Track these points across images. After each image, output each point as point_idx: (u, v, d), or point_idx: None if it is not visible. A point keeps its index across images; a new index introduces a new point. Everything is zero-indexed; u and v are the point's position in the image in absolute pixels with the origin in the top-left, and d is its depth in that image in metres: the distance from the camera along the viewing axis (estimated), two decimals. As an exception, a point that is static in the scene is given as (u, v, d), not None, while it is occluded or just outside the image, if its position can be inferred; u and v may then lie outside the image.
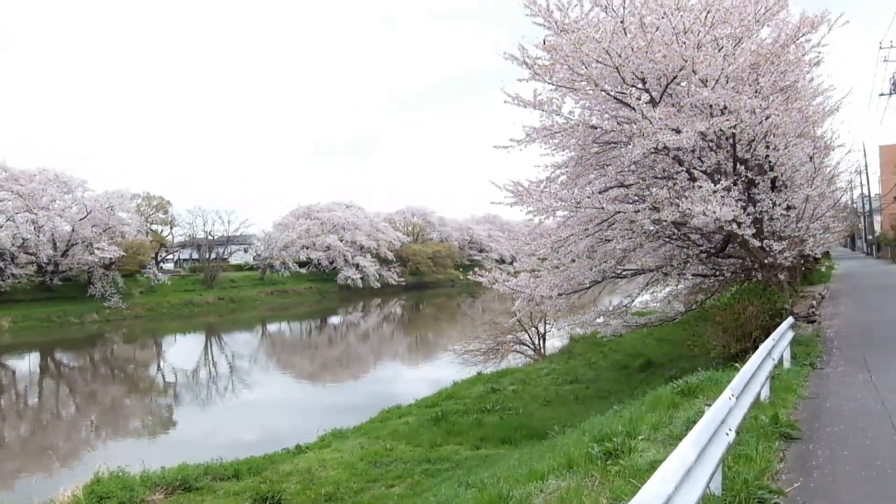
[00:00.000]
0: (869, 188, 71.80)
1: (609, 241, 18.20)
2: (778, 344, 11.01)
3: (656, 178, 16.60)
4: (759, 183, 16.58)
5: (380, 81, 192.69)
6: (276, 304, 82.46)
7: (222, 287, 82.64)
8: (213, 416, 29.29)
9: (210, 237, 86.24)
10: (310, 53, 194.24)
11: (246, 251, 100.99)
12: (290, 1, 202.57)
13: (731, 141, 15.44)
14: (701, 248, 18.91)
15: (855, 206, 75.56)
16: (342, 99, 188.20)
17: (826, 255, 42.55)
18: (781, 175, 16.87)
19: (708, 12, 14.41)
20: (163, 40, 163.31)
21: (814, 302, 24.42)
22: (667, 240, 18.99)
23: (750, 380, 7.99)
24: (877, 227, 77.93)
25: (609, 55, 14.22)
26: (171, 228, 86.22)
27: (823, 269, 39.88)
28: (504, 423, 17.89)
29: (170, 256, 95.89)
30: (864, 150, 65.48)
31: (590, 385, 22.29)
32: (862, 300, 27.48)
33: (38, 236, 64.01)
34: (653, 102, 14.90)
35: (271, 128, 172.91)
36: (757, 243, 16.07)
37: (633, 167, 16.74)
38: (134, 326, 65.11)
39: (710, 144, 15.86)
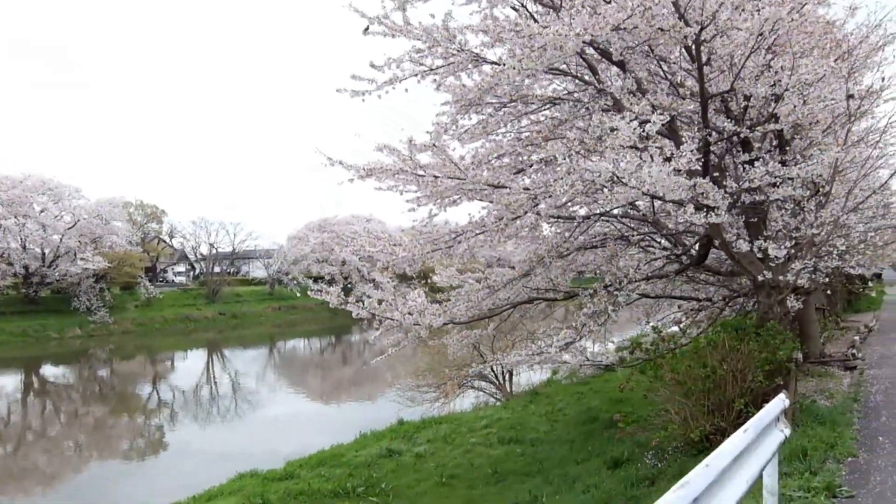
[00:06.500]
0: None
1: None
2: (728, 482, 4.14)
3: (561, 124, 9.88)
4: (753, 142, 9.92)
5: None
6: (284, 321, 77.15)
7: (226, 302, 78.13)
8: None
9: (214, 249, 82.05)
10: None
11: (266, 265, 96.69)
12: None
13: (693, 54, 8.58)
14: (670, 255, 12.18)
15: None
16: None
17: (878, 277, 35.07)
18: (793, 128, 10.10)
19: None
20: (169, 56, 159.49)
21: (856, 338, 17.42)
22: (606, 240, 12.25)
23: None
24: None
25: None
26: (171, 239, 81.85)
27: (874, 294, 32.49)
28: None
29: (181, 269, 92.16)
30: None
31: (527, 450, 15.63)
32: (923, 337, 20.40)
33: (25, 246, 60.08)
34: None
35: (284, 142, 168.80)
36: (745, 246, 9.37)
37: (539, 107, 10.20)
38: (121, 343, 60.63)
39: (662, 71, 9.22)
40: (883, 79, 10.52)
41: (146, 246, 72.67)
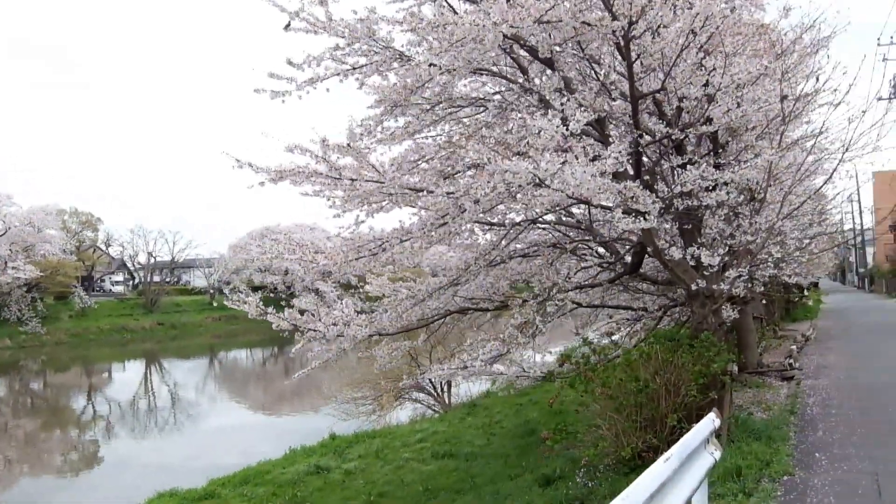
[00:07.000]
0: (861, 216, 64.50)
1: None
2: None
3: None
4: (687, 145, 9.58)
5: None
6: (225, 331, 75.67)
7: (165, 312, 76.32)
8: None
9: (153, 258, 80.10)
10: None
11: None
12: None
13: (622, 51, 8.12)
14: (603, 263, 11.80)
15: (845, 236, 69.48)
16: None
17: (815, 286, 35.52)
18: (728, 131, 9.79)
19: None
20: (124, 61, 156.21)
21: (794, 347, 17.31)
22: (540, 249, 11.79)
23: None
24: (869, 260, 73.37)
25: None
26: (108, 247, 79.71)
27: (811, 302, 32.86)
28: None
29: (119, 278, 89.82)
30: (856, 175, 57.46)
31: (461, 465, 15.08)
32: (858, 345, 20.43)
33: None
34: None
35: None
36: (678, 254, 8.98)
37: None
38: (54, 354, 58.72)
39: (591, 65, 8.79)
40: (817, 78, 10.31)
41: (81, 255, 70.49)
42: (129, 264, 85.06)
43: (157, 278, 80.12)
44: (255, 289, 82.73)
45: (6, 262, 59.10)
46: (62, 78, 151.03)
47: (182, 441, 26.97)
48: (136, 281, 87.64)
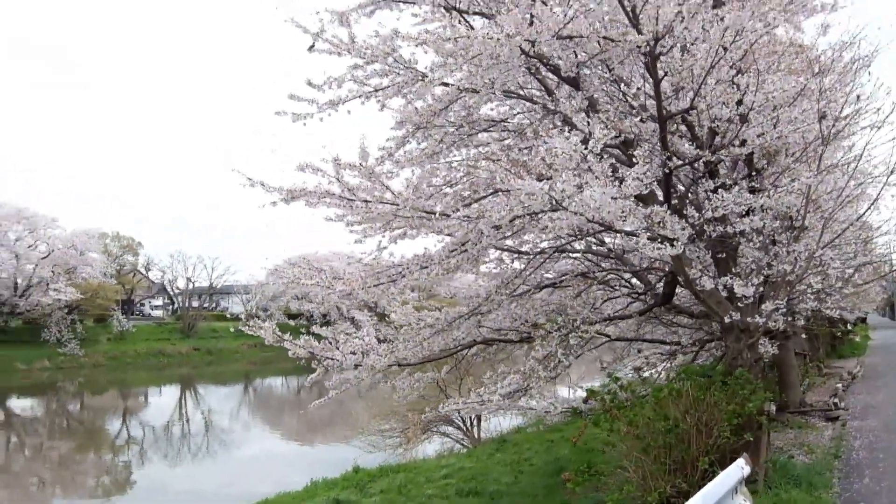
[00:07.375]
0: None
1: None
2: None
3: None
4: (721, 169, 9.05)
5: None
6: (260, 358, 75.43)
7: (201, 337, 76.65)
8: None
9: (191, 283, 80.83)
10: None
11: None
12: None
13: (648, 65, 7.63)
14: (632, 293, 11.25)
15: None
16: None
17: (862, 321, 34.29)
18: (765, 155, 9.24)
19: None
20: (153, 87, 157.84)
21: (839, 385, 16.47)
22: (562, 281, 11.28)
23: None
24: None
25: None
26: (148, 271, 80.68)
27: (858, 338, 31.70)
28: None
29: (158, 302, 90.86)
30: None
31: (486, 504, 14.44)
32: (910, 384, 19.42)
33: (-3, 275, 59.03)
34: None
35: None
36: (710, 284, 8.43)
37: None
38: (91, 376, 59.18)
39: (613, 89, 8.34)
40: (858, 97, 9.69)
41: (121, 278, 71.34)
42: (169, 289, 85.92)
43: (195, 303, 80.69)
44: (291, 316, 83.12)
45: (48, 284, 59.96)
46: (62, 78, 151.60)
47: (215, 468, 26.78)
48: (176, 306, 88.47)
